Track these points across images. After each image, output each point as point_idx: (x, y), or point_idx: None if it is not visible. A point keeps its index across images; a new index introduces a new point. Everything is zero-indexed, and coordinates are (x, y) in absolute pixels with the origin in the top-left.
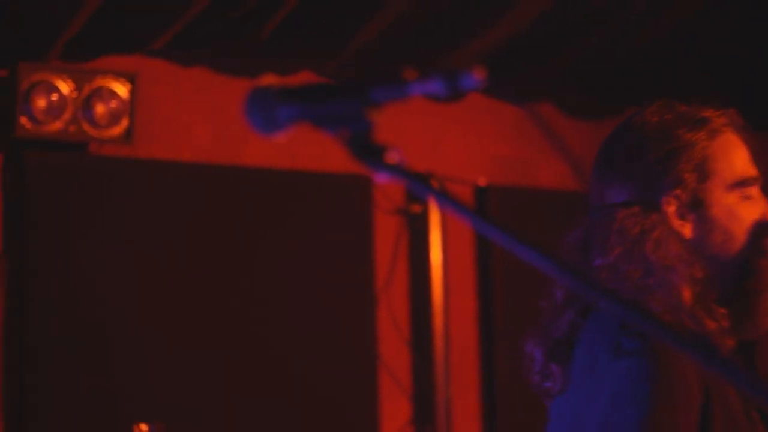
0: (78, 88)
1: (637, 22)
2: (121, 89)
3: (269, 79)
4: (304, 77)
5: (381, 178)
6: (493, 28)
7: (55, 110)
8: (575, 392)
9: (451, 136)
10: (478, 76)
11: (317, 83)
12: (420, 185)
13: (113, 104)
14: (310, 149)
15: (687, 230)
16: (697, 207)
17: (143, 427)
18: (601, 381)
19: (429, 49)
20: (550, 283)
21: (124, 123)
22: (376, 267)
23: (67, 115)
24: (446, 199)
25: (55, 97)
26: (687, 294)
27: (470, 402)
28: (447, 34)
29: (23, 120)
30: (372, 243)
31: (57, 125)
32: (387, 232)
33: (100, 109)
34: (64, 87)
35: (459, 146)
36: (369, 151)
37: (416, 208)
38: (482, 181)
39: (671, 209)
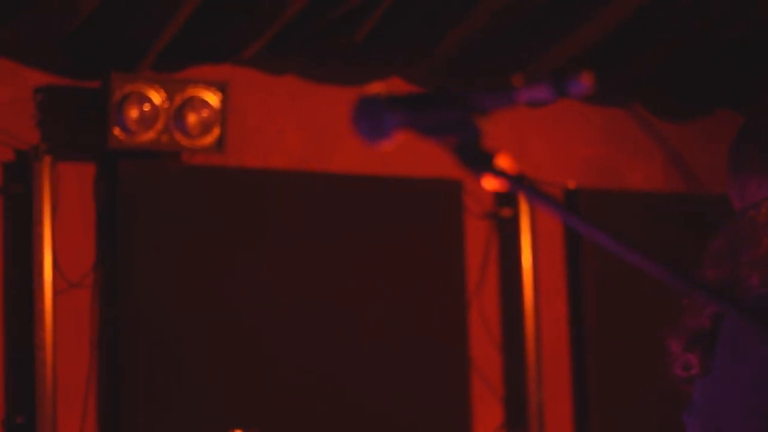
0: (170, 98)
1: (723, 22)
2: (213, 98)
3: (376, 87)
4: (394, 83)
5: (490, 185)
6: (581, 29)
7: (147, 120)
8: (716, 377)
9: (540, 139)
10: (586, 81)
11: (425, 92)
12: (531, 192)
13: (205, 113)
14: (400, 155)
15: None
16: None
17: None
18: (743, 366)
19: (517, 52)
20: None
21: (216, 132)
22: (467, 271)
23: (159, 125)
24: (561, 207)
25: (147, 107)
26: None
27: (562, 405)
28: (535, 37)
29: (116, 131)
30: (463, 247)
31: (149, 135)
32: (477, 237)
33: (191, 118)
34: (156, 97)
35: (547, 149)
36: (478, 158)
37: (506, 212)
38: (571, 184)
39: None
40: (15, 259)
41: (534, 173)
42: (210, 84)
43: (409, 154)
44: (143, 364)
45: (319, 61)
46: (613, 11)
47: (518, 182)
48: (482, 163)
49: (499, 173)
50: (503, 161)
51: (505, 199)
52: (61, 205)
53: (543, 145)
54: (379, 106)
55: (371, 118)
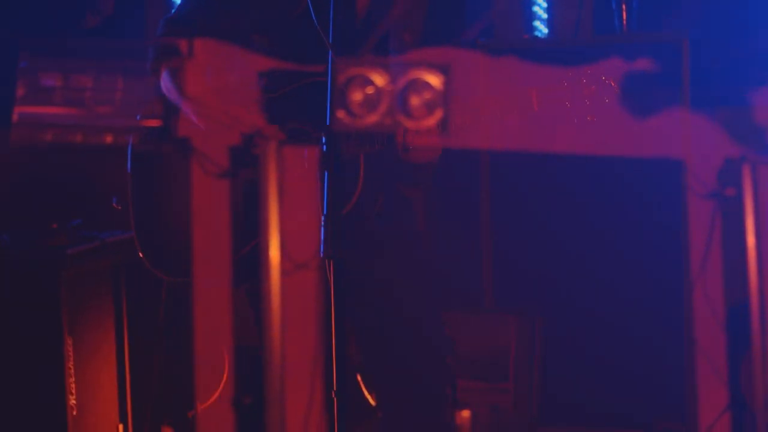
0: (393, 80)
1: None
2: (435, 80)
3: (644, 64)
4: (614, 63)
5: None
6: None
7: (370, 103)
8: None
9: None
10: None
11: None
12: None
13: (427, 95)
14: (620, 134)
15: None
16: None
17: None
18: None
19: None
20: None
21: (438, 113)
22: (690, 252)
23: (382, 108)
24: None
25: (370, 90)
26: None
27: None
28: None
29: (340, 114)
30: (686, 228)
31: (373, 118)
32: (700, 216)
33: (414, 100)
34: (379, 80)
35: None
36: (752, 133)
37: (730, 191)
38: None
39: None
40: (242, 242)
41: None
42: (432, 66)
43: (629, 133)
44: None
45: (538, 41)
46: None
47: None
48: (757, 138)
49: None
50: None
51: (729, 178)
52: (286, 187)
53: None
54: (649, 85)
55: (641, 97)
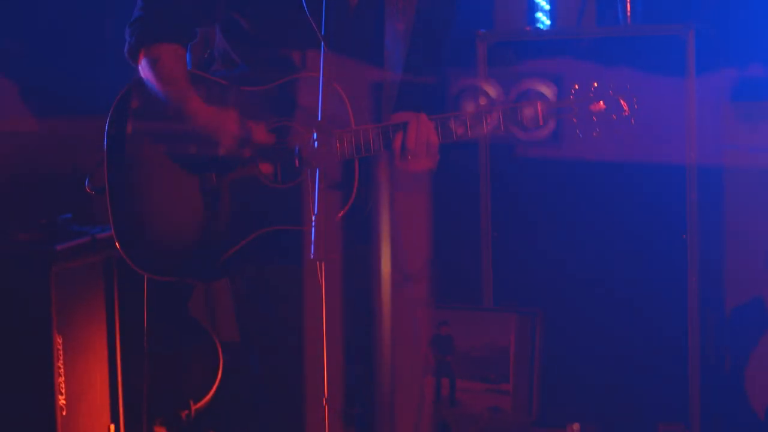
0: (505, 91)
1: None
2: (548, 91)
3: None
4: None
5: None
6: None
7: (483, 114)
8: None
9: None
10: None
11: None
12: None
13: (540, 107)
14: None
15: None
16: None
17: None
18: None
19: None
20: None
21: (551, 125)
22: None
23: (494, 119)
24: None
25: (483, 101)
26: None
27: None
28: None
29: (453, 125)
30: None
31: (485, 129)
32: None
33: (527, 111)
34: (492, 91)
35: None
36: None
37: None
38: None
39: None
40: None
41: None
42: (545, 77)
43: (741, 144)
44: None
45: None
46: None
47: None
48: None
49: None
50: None
51: None
52: (397, 198)
53: None
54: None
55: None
